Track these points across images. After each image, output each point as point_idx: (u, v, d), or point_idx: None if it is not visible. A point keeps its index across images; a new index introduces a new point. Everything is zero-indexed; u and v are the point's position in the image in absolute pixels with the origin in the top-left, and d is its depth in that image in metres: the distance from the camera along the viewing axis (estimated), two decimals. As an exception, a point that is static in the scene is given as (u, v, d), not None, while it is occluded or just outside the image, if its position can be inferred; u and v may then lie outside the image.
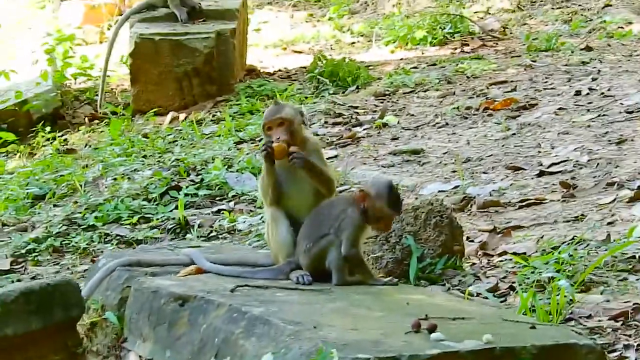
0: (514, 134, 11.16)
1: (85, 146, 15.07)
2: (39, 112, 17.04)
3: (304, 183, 6.10)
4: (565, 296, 5.93)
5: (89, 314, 6.07)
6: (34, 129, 16.39)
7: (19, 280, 9.58)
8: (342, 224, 5.89)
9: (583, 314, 6.37)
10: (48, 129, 16.05)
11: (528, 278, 6.98)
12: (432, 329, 5.01)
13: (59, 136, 15.98)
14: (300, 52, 17.81)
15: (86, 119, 16.71)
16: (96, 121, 16.10)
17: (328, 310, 5.31)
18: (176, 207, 10.27)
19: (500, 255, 7.81)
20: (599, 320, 6.27)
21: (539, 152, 10.40)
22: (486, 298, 6.71)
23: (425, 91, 13.94)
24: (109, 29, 19.25)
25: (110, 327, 5.91)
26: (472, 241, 8.18)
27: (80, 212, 10.71)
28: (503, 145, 10.81)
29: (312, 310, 5.27)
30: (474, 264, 7.62)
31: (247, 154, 11.62)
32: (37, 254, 10.13)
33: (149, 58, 15.26)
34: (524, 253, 7.64)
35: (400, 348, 4.75)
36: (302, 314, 5.17)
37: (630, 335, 6.02)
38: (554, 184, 9.34)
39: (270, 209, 6.16)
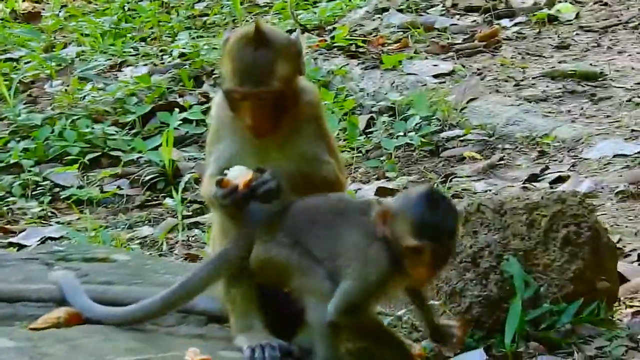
0: None
1: (59, 9, 14.50)
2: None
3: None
4: None
5: None
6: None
7: None
8: (348, 259, 5.10)
9: None
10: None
11: None
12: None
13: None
14: None
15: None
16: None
17: None
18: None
19: (696, 298, 6.92)
20: None
21: None
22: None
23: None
24: None
25: None
26: (647, 266, 7.32)
27: (1, 139, 10.17)
28: None
29: None
30: (638, 312, 6.71)
31: (306, 54, 10.85)
32: None
33: None
34: None
35: None
36: None
37: None
38: None
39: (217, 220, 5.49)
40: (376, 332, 5.12)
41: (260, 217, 5.18)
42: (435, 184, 4.46)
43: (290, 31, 11.41)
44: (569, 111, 9.69)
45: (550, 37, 11.10)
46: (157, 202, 9.34)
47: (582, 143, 9.13)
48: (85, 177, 9.71)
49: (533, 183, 8.63)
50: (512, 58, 10.59)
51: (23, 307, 5.55)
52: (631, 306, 6.83)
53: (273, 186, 5.17)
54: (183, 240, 8.33)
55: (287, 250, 5.09)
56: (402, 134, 9.48)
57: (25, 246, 8.25)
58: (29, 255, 6.29)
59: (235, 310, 5.28)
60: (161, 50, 11.84)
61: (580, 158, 8.92)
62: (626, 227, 7.85)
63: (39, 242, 8.39)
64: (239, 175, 5.18)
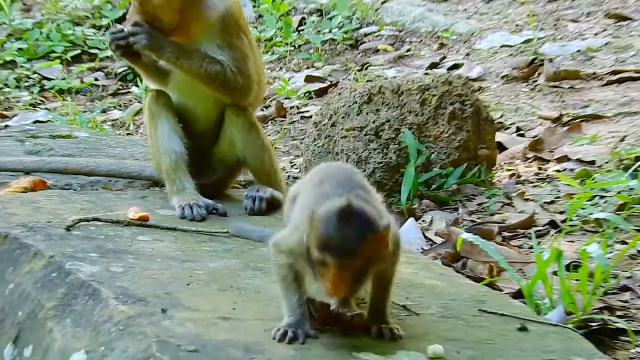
0: (631, -38, 9.92)
1: None
2: None
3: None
4: (602, 272, 4.84)
5: None
6: None
7: None
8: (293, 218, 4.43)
9: (649, 279, 5.33)
10: None
11: (582, 209, 5.92)
12: (350, 329, 4.00)
13: None
14: None
15: None
16: None
17: (205, 274, 4.35)
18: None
19: (558, 161, 6.78)
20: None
21: (660, -7, 9.25)
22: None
23: None
24: None
25: None
26: (523, 135, 7.19)
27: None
28: (611, -21, 9.63)
29: (178, 274, 4.35)
30: (513, 174, 6.60)
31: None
32: None
33: None
34: (592, 163, 6.59)
35: (279, 364, 3.76)
36: (157, 282, 4.25)
37: None
38: (668, 48, 8.23)
39: (147, 100, 5.21)
40: (279, 278, 4.02)
41: None
42: (350, 201, 3.64)
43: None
44: (465, 10, 9.50)
45: (452, -53, 10.77)
46: (126, 90, 9.19)
47: (475, 36, 8.96)
48: (67, 71, 9.54)
49: (434, 69, 8.50)
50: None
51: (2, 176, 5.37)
52: (508, 170, 6.72)
53: (140, 35, 4.98)
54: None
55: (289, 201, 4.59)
56: (327, 31, 9.33)
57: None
58: (6, 134, 6.12)
59: (170, 176, 5.13)
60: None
61: (473, 49, 8.77)
62: (507, 104, 7.73)
63: (31, 124, 8.24)
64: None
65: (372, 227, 3.84)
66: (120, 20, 10.14)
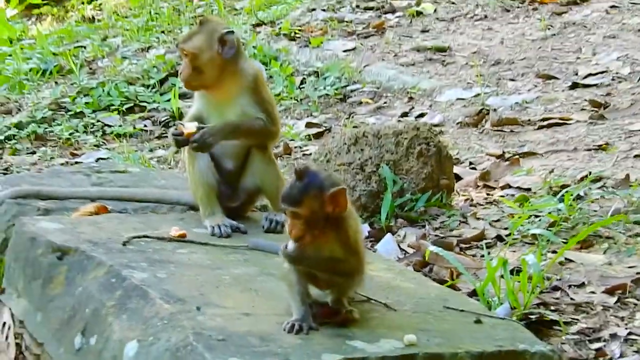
0: (555, 34, 9.82)
1: (111, 15, 14.01)
2: (77, -28, 16.08)
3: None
4: (538, 275, 4.76)
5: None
6: (71, -12, 15.48)
7: (-13, 172, 8.74)
8: None
9: (575, 281, 5.24)
10: (85, -11, 15.17)
11: (521, 226, 5.83)
12: (344, 323, 3.93)
13: (93, 0, 15.07)
14: None
15: (125, -20, 15.71)
16: (135, -17, 14.80)
17: (230, 279, 4.28)
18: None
19: (502, 188, 6.68)
20: (591, 293, 5.12)
21: (578, 58, 9.11)
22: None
23: (474, -25, 12.55)
24: None
25: (-8, 272, 4.95)
26: (475, 168, 7.09)
27: (70, 96, 9.77)
28: (539, 48, 9.52)
29: (209, 279, 4.28)
30: (467, 199, 6.50)
31: (262, 39, 10.52)
32: (16, 141, 9.23)
33: None
34: (528, 190, 6.51)
35: (289, 350, 3.68)
36: (193, 285, 4.18)
37: (622, 319, 4.86)
38: (585, 100, 8.09)
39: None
40: (287, 283, 3.91)
41: None
42: (307, 165, 3.59)
43: (255, 25, 11.31)
44: (428, 71, 9.39)
45: (418, 25, 10.73)
46: (167, 135, 9.09)
47: (436, 92, 8.87)
48: (123, 119, 9.42)
49: (405, 118, 8.41)
50: (392, 39, 10.25)
51: (69, 203, 5.26)
52: (464, 195, 6.63)
53: (202, 141, 4.89)
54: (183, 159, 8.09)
55: None
56: (322, 88, 9.24)
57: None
58: (76, 170, 6.04)
59: (203, 203, 5.04)
60: (173, 39, 11.47)
61: (435, 101, 8.68)
62: (462, 144, 7.64)
63: (94, 161, 8.14)
64: (189, 127, 4.93)
65: (319, 185, 3.80)
66: (164, 81, 10.01)
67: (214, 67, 4.93)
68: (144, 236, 4.65)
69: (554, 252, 5.44)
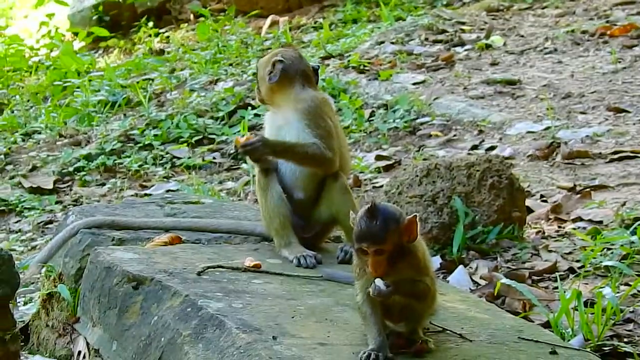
0: (625, 67, 9.80)
1: (179, 47, 14.19)
2: (143, 5, 16.27)
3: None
4: (612, 308, 4.76)
5: (48, 281, 5.22)
6: (137, 23, 15.69)
7: (59, 202, 8.90)
8: None
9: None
10: (151, 24, 15.35)
11: (594, 259, 5.82)
12: (419, 353, 3.96)
13: (160, 33, 15.29)
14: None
15: (192, 15, 15.90)
16: (202, 19, 14.96)
17: (305, 309, 4.31)
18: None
19: (574, 221, 6.68)
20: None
21: (650, 91, 9.11)
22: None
23: (543, 8, 12.58)
24: None
25: (67, 301, 5.03)
26: (546, 201, 7.09)
27: (139, 128, 9.94)
28: (610, 81, 9.50)
29: (284, 309, 4.31)
30: (539, 232, 6.50)
31: (331, 72, 10.62)
32: (85, 172, 9.40)
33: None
34: (600, 222, 6.49)
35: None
36: (269, 315, 4.22)
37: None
38: (657, 133, 8.10)
39: (257, 176, 5.22)
40: (361, 313, 3.95)
41: None
42: (374, 201, 3.66)
43: (324, 58, 11.41)
44: (498, 104, 9.42)
45: (487, 58, 10.77)
46: (237, 167, 9.18)
47: (506, 125, 8.88)
48: (192, 151, 9.54)
49: (475, 150, 8.43)
50: (462, 72, 10.29)
51: (143, 233, 5.35)
52: (535, 228, 6.63)
53: (252, 147, 5.00)
54: (252, 191, 8.18)
55: None
56: (392, 120, 9.30)
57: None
58: (149, 200, 6.13)
59: (279, 233, 5.10)
60: (242, 71, 11.61)
61: (505, 134, 8.70)
62: (533, 177, 7.65)
63: (165, 192, 8.25)
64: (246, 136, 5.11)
65: (395, 218, 3.85)
66: (232, 113, 10.12)
67: (264, 88, 5.20)
68: (219, 266, 4.72)
69: (627, 284, 5.43)
